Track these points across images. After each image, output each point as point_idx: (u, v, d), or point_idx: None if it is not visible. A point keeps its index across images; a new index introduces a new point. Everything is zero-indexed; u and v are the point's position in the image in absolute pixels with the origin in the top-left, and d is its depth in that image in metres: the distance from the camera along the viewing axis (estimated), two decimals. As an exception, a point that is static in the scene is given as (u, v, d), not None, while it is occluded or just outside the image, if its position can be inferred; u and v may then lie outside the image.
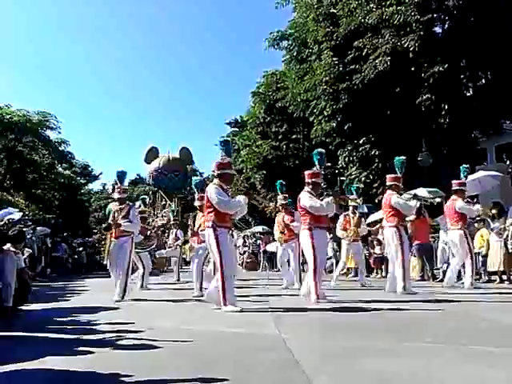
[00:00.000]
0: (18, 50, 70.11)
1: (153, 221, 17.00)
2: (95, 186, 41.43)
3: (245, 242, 19.23)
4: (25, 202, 22.76)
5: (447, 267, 8.44)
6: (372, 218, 11.87)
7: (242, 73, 79.96)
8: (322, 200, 5.73)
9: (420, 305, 5.23)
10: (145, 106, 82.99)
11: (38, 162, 24.51)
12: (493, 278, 8.64)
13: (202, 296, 6.15)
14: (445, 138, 14.00)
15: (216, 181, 5.15)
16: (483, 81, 14.26)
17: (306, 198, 5.77)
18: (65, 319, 4.69)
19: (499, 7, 12.38)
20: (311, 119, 16.56)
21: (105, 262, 8.50)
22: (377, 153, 14.61)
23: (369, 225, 11.06)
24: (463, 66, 13.68)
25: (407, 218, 9.16)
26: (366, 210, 12.11)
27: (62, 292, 8.48)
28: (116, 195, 6.98)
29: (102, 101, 79.95)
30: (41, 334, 3.85)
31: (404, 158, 6.93)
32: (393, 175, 6.89)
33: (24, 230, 7.40)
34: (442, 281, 9.02)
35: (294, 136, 21.22)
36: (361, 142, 15.06)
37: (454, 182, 7.61)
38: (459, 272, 7.94)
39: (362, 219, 9.45)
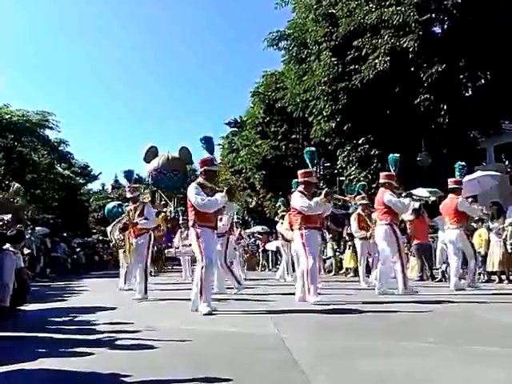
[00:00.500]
0: (19, 49, 70.19)
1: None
2: (94, 186, 41.41)
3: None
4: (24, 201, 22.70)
5: (446, 267, 8.44)
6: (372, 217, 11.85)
7: (242, 73, 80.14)
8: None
9: (418, 305, 5.22)
10: (144, 105, 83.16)
11: (37, 162, 24.45)
12: (492, 277, 8.64)
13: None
14: (444, 138, 14.01)
15: (200, 178, 5.18)
16: (482, 81, 14.27)
17: (296, 198, 5.73)
18: (64, 319, 4.69)
19: (498, 7, 12.39)
20: (310, 119, 16.58)
21: (121, 264, 8.58)
22: (376, 153, 14.62)
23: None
24: (462, 66, 13.68)
25: (406, 218, 9.17)
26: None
27: (61, 292, 8.48)
28: (128, 194, 7.05)
29: (102, 101, 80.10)
30: (40, 334, 3.85)
31: (398, 155, 6.80)
32: (386, 173, 6.80)
33: (23, 229, 7.41)
34: (440, 281, 9.04)
35: (293, 136, 21.24)
36: (360, 142, 15.08)
37: (449, 180, 7.42)
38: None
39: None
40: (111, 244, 8.43)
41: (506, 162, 18.18)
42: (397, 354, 2.85)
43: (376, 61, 13.46)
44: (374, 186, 14.18)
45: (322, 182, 16.46)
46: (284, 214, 9.81)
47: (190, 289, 6.94)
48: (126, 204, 9.17)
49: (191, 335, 3.51)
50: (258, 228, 20.47)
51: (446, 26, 14.12)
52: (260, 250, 18.30)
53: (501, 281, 8.35)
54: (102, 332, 3.76)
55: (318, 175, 19.25)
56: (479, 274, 8.83)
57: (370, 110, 14.25)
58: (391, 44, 13.32)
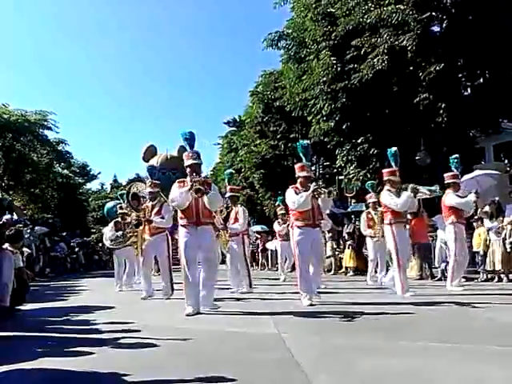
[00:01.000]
0: (18, 49, 69.95)
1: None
2: (93, 186, 41.29)
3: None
4: (23, 201, 22.73)
5: (445, 266, 8.44)
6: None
7: (240, 72, 79.78)
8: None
9: (418, 304, 5.22)
10: (143, 105, 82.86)
11: (36, 162, 24.40)
12: (491, 276, 8.65)
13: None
14: (443, 137, 14.01)
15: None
16: (481, 80, 14.26)
17: (288, 195, 5.56)
18: (63, 319, 4.69)
19: (497, 6, 12.39)
20: (309, 118, 16.55)
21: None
22: (375, 152, 14.62)
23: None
24: (461, 65, 13.68)
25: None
26: (364, 208, 12.11)
27: (61, 291, 8.48)
28: (148, 189, 7.01)
29: (101, 100, 79.87)
30: (39, 333, 3.85)
31: (395, 148, 6.49)
32: (387, 169, 6.51)
33: (22, 229, 7.41)
34: (440, 280, 9.04)
35: (292, 135, 21.20)
36: (359, 141, 15.06)
37: (446, 175, 7.09)
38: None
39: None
40: (110, 241, 8.37)
41: (506, 161, 18.16)
42: (397, 353, 2.85)
43: (375, 60, 13.45)
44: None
45: (322, 180, 16.45)
46: (283, 212, 9.86)
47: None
48: (119, 202, 9.18)
49: (192, 334, 3.50)
50: (257, 227, 20.46)
51: (444, 25, 14.11)
52: (259, 250, 18.32)
53: (500, 280, 8.36)
54: (102, 331, 3.76)
55: (318, 174, 19.26)
56: (478, 272, 8.87)
57: (368, 109, 14.25)
58: (390, 43, 13.31)
